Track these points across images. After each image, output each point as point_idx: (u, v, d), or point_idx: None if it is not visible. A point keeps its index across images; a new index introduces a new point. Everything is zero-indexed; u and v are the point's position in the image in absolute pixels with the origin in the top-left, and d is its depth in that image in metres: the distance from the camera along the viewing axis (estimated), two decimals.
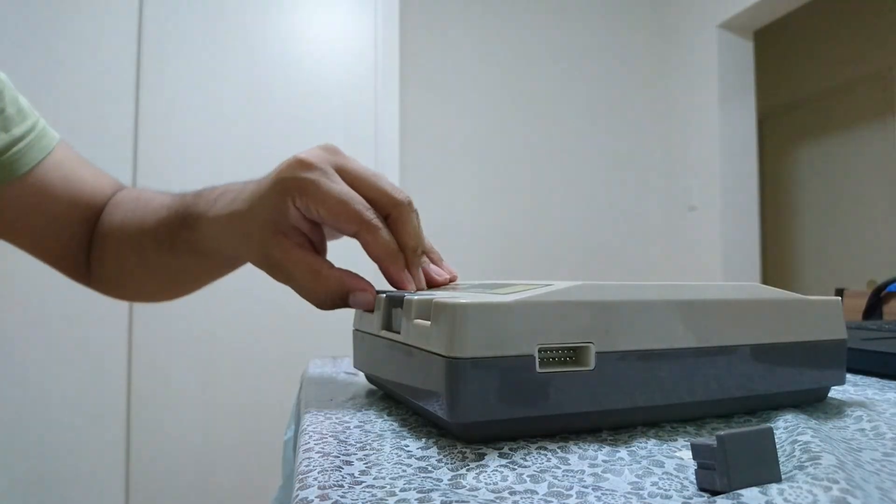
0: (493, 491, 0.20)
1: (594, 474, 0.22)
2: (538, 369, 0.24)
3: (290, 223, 0.35)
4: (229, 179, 0.42)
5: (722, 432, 0.19)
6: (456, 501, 0.18)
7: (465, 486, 0.21)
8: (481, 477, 0.21)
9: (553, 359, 0.25)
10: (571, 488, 0.20)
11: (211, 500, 1.76)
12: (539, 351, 0.24)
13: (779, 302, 0.30)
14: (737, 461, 0.19)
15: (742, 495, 0.18)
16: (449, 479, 0.21)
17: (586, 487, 0.20)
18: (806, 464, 0.20)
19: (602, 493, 0.20)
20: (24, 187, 0.46)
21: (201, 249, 0.42)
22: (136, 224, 0.47)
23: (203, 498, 1.75)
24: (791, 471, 0.20)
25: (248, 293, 1.81)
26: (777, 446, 0.22)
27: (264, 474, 1.76)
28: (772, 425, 0.27)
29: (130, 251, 0.48)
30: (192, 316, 1.78)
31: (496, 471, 0.22)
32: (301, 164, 0.34)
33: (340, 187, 0.34)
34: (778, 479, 0.19)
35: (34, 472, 1.61)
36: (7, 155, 0.45)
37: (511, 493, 0.20)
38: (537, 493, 0.20)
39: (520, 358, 0.24)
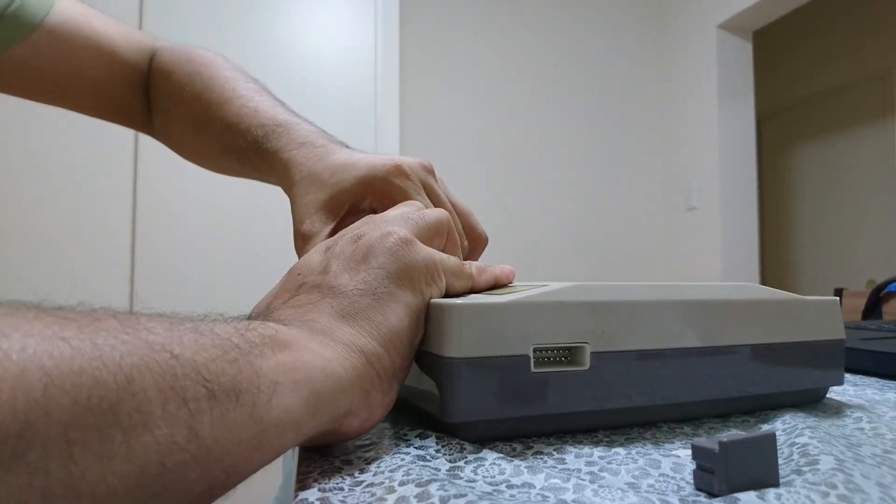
0: (490, 483, 0.20)
1: (591, 472, 0.22)
2: (533, 369, 0.24)
3: (352, 213, 0.36)
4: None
5: (724, 438, 0.19)
6: (455, 495, 0.18)
7: (462, 478, 0.21)
8: (479, 470, 0.21)
9: (548, 359, 0.25)
10: (569, 480, 0.20)
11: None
12: (534, 351, 0.24)
13: (776, 302, 0.30)
14: (737, 467, 0.19)
15: (739, 500, 0.18)
16: (447, 471, 0.21)
17: (583, 480, 0.20)
18: (804, 468, 0.20)
19: (599, 487, 0.20)
20: (39, 42, 0.45)
21: (263, 174, 0.43)
22: (199, 104, 0.46)
23: None
24: (789, 475, 0.20)
25: (250, 292, 1.81)
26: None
27: (265, 474, 1.76)
28: (770, 426, 0.27)
29: (190, 129, 0.48)
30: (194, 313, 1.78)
31: (494, 464, 0.22)
32: (397, 170, 0.35)
33: (425, 203, 0.34)
34: (776, 484, 0.19)
35: None
36: (11, 9, 0.43)
37: (508, 487, 0.20)
38: (535, 487, 0.20)
39: (515, 358, 0.24)
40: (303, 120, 0.43)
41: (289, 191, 0.39)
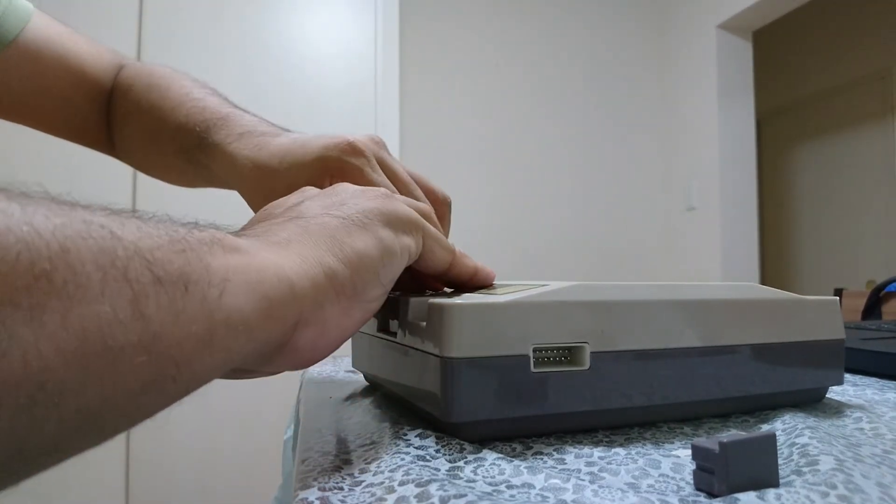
0: (490, 483, 0.20)
1: (590, 472, 0.22)
2: (533, 369, 0.24)
3: None
4: None
5: (724, 438, 0.19)
6: (454, 495, 0.18)
7: (462, 478, 0.21)
8: (479, 470, 0.21)
9: (548, 359, 0.25)
10: (568, 480, 0.20)
11: (211, 500, 1.76)
12: (534, 351, 0.24)
13: (776, 302, 0.30)
14: (737, 467, 0.19)
15: (739, 500, 0.18)
16: (447, 471, 0.21)
17: (583, 480, 0.20)
18: (804, 468, 0.20)
19: (599, 487, 0.20)
20: (10, 57, 0.45)
21: (212, 175, 0.41)
22: (155, 113, 0.45)
23: (203, 497, 1.75)
24: (789, 475, 0.20)
25: None
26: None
27: (265, 474, 1.76)
28: (770, 426, 0.27)
29: (147, 139, 0.47)
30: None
31: (494, 464, 0.22)
32: (351, 148, 0.34)
33: (382, 179, 0.34)
34: (776, 484, 0.19)
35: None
36: None
37: (508, 487, 0.20)
38: (534, 487, 0.20)
39: (514, 358, 0.24)
40: (246, 112, 0.42)
41: (239, 187, 0.38)
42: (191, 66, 0.52)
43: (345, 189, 0.28)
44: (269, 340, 0.20)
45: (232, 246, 0.20)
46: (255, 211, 0.36)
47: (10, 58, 0.45)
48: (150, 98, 0.46)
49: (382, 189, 0.28)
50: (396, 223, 0.26)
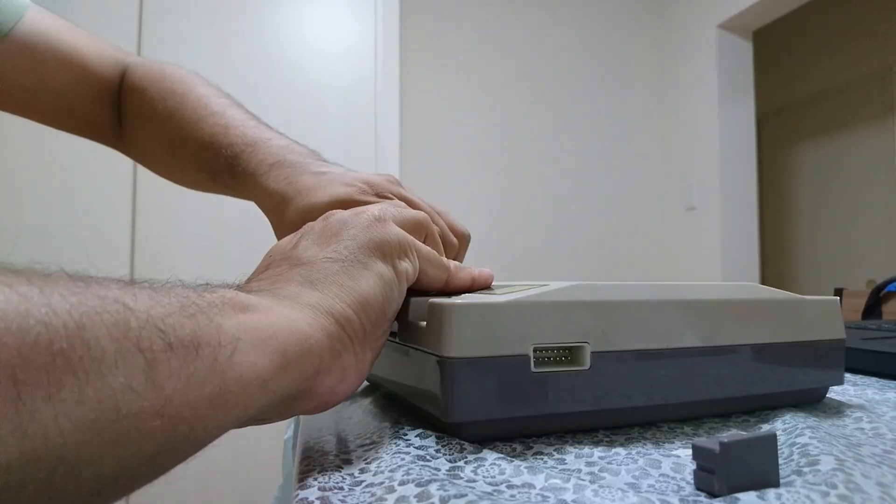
0: (490, 483, 0.20)
1: (591, 472, 0.22)
2: (533, 369, 0.24)
3: None
4: None
5: (725, 438, 0.19)
6: (455, 495, 0.18)
7: (462, 478, 0.21)
8: (479, 470, 0.21)
9: (548, 359, 0.25)
10: (569, 480, 0.20)
11: (211, 500, 1.76)
12: (534, 351, 0.24)
13: (777, 302, 0.30)
14: (737, 467, 0.19)
15: (739, 500, 0.18)
16: (447, 471, 0.21)
17: (583, 480, 0.20)
18: (804, 468, 0.20)
19: (599, 487, 0.20)
20: (5, 51, 0.45)
21: (238, 194, 0.43)
22: (173, 122, 0.46)
23: (204, 497, 1.75)
24: (789, 475, 0.20)
25: None
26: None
27: (265, 473, 1.76)
28: (770, 426, 0.27)
29: (164, 148, 0.48)
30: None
31: (494, 464, 0.22)
32: (369, 188, 0.37)
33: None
34: (776, 484, 0.19)
35: None
36: None
37: (508, 487, 0.20)
38: (535, 487, 0.20)
39: (515, 358, 0.24)
40: (273, 134, 0.43)
41: (267, 214, 0.40)
42: (191, 66, 0.52)
43: (337, 219, 0.28)
44: (287, 393, 0.21)
45: (243, 305, 0.20)
46: (279, 235, 0.38)
47: (6, 52, 0.45)
48: (167, 106, 0.46)
49: (372, 209, 0.29)
50: (389, 251, 0.26)
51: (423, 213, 0.32)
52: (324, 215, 0.29)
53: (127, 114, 0.50)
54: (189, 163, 0.45)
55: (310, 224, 0.29)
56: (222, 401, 0.18)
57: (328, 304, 0.23)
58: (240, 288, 0.23)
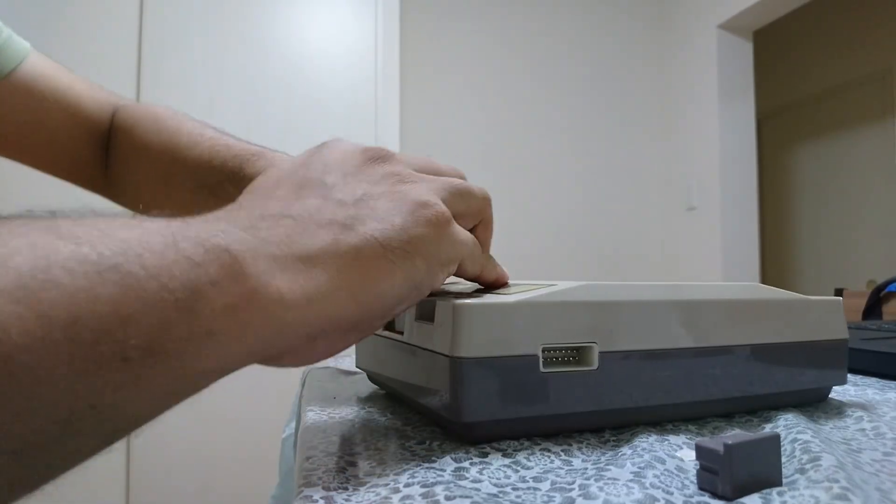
0: (496, 485, 0.20)
1: (597, 471, 0.22)
2: (542, 369, 0.24)
3: None
4: None
5: (729, 439, 0.19)
6: (460, 496, 0.18)
7: (468, 479, 0.21)
8: (485, 471, 0.21)
9: (556, 359, 0.25)
10: (574, 481, 0.20)
11: (210, 498, 1.76)
12: (543, 351, 0.24)
13: (781, 302, 0.30)
14: (741, 469, 0.19)
15: (743, 502, 0.18)
16: (452, 471, 0.21)
17: (588, 480, 0.20)
18: (807, 466, 0.20)
19: (604, 483, 0.20)
20: (5, 91, 0.45)
21: None
22: (168, 154, 0.46)
23: (203, 496, 1.75)
24: (792, 474, 0.20)
25: None
26: None
27: (263, 472, 1.77)
28: (773, 425, 0.27)
29: (159, 179, 0.47)
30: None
31: (500, 465, 0.22)
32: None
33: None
34: (779, 483, 0.19)
35: None
36: None
37: (514, 489, 0.20)
38: (540, 490, 0.20)
39: (523, 358, 0.24)
40: (277, 151, 0.44)
41: None
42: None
43: (411, 188, 0.24)
44: (241, 367, 0.19)
45: (234, 274, 0.18)
46: None
47: (5, 91, 0.46)
48: (161, 139, 0.47)
49: (435, 184, 0.25)
50: (437, 260, 0.23)
51: (485, 192, 0.28)
52: (396, 175, 0.24)
53: (116, 150, 0.50)
54: (184, 185, 0.45)
55: (381, 173, 0.24)
56: (177, 395, 0.18)
57: (331, 296, 0.20)
58: (254, 232, 0.20)
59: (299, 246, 0.20)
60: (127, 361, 0.15)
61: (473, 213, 0.28)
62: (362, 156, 0.25)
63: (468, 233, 0.26)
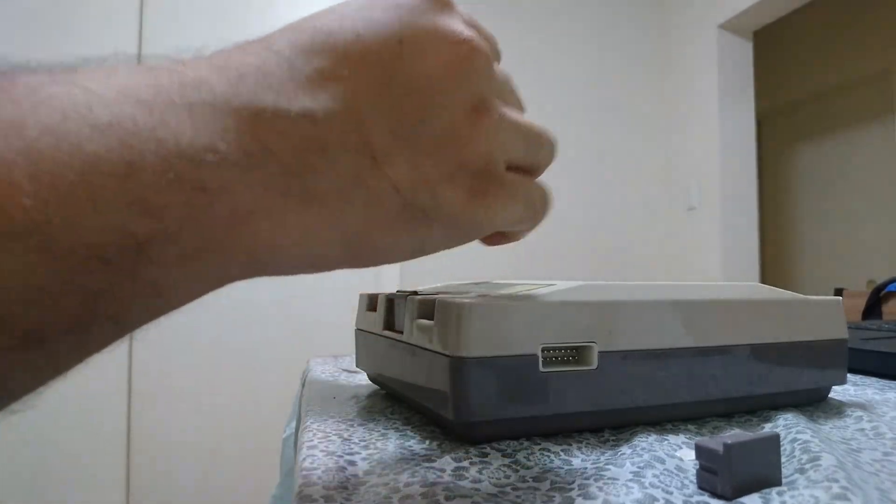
0: (495, 485, 0.20)
1: (596, 470, 0.22)
2: (541, 369, 0.24)
3: None
4: None
5: (728, 439, 0.19)
6: (460, 496, 0.18)
7: (468, 479, 0.21)
8: (484, 471, 0.21)
9: (556, 358, 0.25)
10: (573, 482, 0.20)
11: (211, 498, 1.76)
12: (542, 350, 0.24)
13: (780, 302, 0.30)
14: (741, 468, 0.19)
15: (743, 501, 0.18)
16: (452, 471, 0.21)
17: (588, 479, 0.20)
18: (806, 465, 0.20)
19: (604, 483, 0.20)
20: None
21: None
22: None
23: (203, 496, 1.75)
24: (792, 474, 0.20)
25: (249, 292, 1.81)
26: None
27: (263, 472, 1.77)
28: (772, 425, 0.27)
29: None
30: (192, 315, 1.78)
31: (500, 465, 0.22)
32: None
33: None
34: (778, 483, 0.19)
35: (34, 472, 1.61)
36: None
37: (514, 489, 0.20)
38: (539, 490, 0.20)
39: (523, 357, 0.24)
40: None
41: None
42: None
43: (449, 120, 0.17)
44: None
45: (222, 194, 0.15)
46: None
47: None
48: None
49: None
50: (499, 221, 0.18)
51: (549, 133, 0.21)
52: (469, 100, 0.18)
53: None
54: None
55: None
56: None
57: (320, 228, 0.16)
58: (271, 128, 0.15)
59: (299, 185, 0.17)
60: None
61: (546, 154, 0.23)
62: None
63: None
